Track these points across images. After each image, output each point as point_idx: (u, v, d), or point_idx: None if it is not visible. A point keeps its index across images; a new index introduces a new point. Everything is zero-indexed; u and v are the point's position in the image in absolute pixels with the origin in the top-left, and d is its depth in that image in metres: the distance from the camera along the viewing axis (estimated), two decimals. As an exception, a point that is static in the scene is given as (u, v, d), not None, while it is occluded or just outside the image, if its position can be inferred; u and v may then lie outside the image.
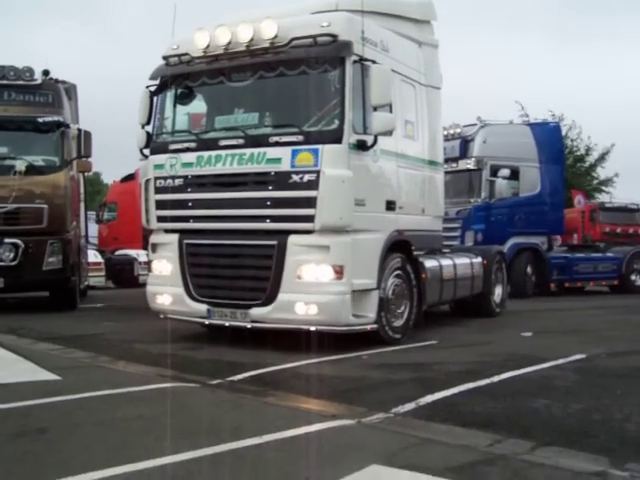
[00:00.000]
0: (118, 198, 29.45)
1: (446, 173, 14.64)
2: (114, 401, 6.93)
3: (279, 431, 5.79)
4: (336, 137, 9.62)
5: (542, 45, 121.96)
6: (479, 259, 14.31)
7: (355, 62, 9.86)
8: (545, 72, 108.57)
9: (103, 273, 24.10)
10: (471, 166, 20.20)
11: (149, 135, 11.16)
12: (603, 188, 42.08)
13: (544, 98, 56.88)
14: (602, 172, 42.28)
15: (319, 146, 9.55)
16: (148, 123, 11.21)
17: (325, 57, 9.84)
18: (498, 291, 15.22)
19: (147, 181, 10.97)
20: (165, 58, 11.03)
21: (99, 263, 24.01)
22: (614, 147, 41.47)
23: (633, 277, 23.66)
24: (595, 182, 41.97)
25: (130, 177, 27.78)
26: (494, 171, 20.15)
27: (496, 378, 8.09)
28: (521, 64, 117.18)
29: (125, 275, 24.86)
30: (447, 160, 16.94)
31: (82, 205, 19.34)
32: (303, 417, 6.39)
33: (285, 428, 5.88)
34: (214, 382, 7.99)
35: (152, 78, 11.15)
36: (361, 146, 9.90)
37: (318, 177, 9.48)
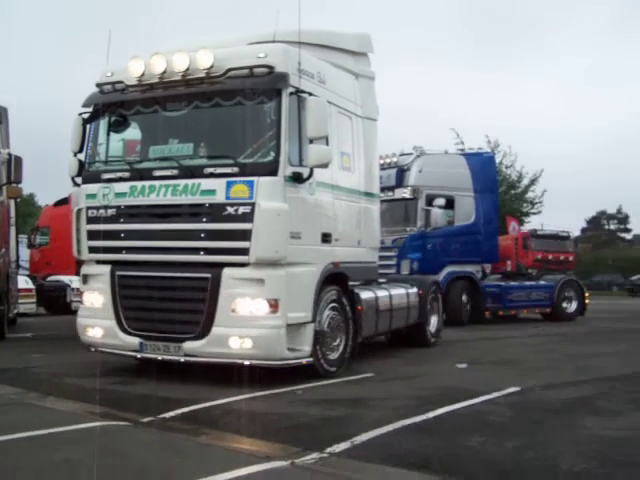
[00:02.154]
0: (51, 222, 28.79)
1: (382, 202, 14.70)
2: (40, 443, 6.70)
3: (211, 475, 5.66)
4: (272, 169, 9.57)
5: (467, 75, 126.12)
6: (415, 289, 14.34)
7: (291, 94, 9.84)
8: (472, 100, 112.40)
9: (34, 300, 23.53)
10: (407, 195, 20.34)
11: (81, 163, 10.94)
12: (533, 211, 43.13)
13: (476, 125, 58.33)
14: (532, 195, 43.48)
15: (254, 178, 9.48)
16: (80, 151, 10.99)
17: (261, 88, 9.80)
18: (434, 321, 15.27)
19: (79, 210, 10.73)
20: (99, 85, 10.84)
21: (30, 289, 23.44)
22: (543, 172, 42.77)
23: (564, 305, 23.97)
24: (525, 205, 42.93)
25: (64, 201, 27.20)
26: (430, 200, 20.33)
27: (431, 414, 8.05)
28: (451, 93, 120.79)
29: (57, 302, 24.33)
30: (383, 189, 17.03)
31: (13, 230, 18.85)
32: (236, 459, 6.26)
33: (217, 472, 5.75)
34: (145, 420, 7.79)
35: (85, 105, 10.95)
36: (297, 178, 9.86)
37: (253, 209, 9.40)
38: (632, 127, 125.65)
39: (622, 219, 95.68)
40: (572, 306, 24.15)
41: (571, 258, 29.32)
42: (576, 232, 58.86)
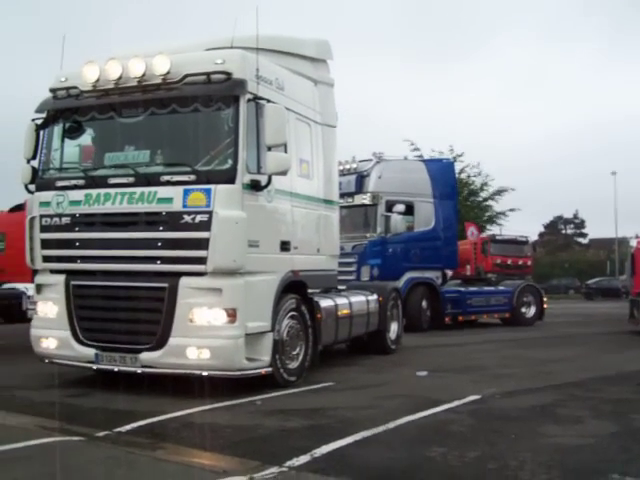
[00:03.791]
0: (6, 229, 27.97)
1: (342, 208, 14.65)
2: (-11, 462, 6.48)
3: (167, 492, 5.52)
4: (229, 177, 9.43)
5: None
6: (375, 296, 14.26)
7: (249, 101, 9.72)
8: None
9: (-12, 308, 23.04)
10: (367, 201, 20.26)
11: (35, 170, 10.70)
12: (495, 220, 43.32)
13: (424, 127, 59.00)
14: (497, 206, 43.69)
15: (212, 186, 9.34)
16: (34, 158, 10.76)
17: (219, 95, 9.66)
18: (394, 328, 15.20)
19: (32, 219, 10.51)
20: (52, 91, 10.61)
21: (-17, 298, 22.94)
22: (512, 190, 43.10)
23: (523, 309, 24.13)
24: (487, 215, 43.11)
25: (19, 207, 26.68)
26: (389, 206, 20.27)
27: (392, 424, 7.97)
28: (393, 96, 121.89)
29: (13, 310, 23.83)
30: (343, 195, 16.99)
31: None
32: (193, 474, 6.15)
33: (173, 489, 5.61)
34: (100, 434, 7.58)
35: (38, 111, 10.70)
36: (255, 186, 9.73)
37: (210, 218, 9.26)
38: (588, 134, 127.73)
39: (578, 224, 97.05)
40: (531, 311, 24.33)
41: (529, 262, 29.50)
42: (534, 237, 59.58)
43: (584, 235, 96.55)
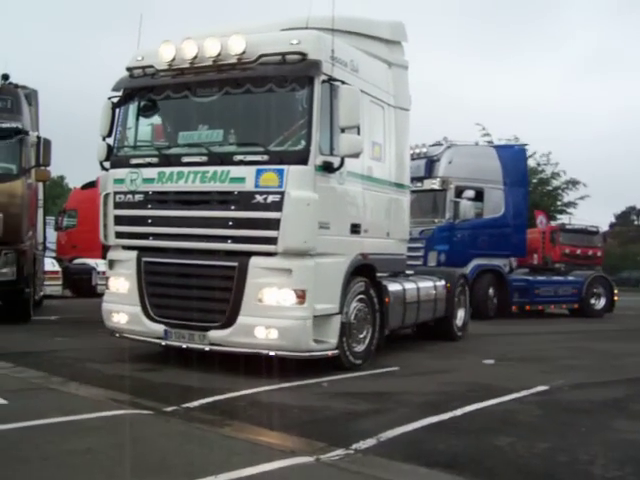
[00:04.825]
0: (78, 205, 28.84)
1: (411, 192, 14.51)
2: (62, 431, 6.63)
3: (235, 469, 5.55)
4: (302, 158, 9.42)
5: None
6: (442, 282, 14.16)
7: (324, 82, 9.68)
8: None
9: (60, 282, 23.54)
10: (436, 186, 20.07)
11: (110, 148, 10.85)
12: (565, 209, 42.58)
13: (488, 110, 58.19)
14: (566, 197, 42.97)
15: (284, 167, 9.33)
16: (109, 135, 10.89)
17: (293, 76, 9.64)
18: (460, 315, 15.09)
19: (106, 195, 10.66)
20: (129, 69, 10.75)
21: (56, 272, 23.44)
22: (585, 186, 42.31)
23: (593, 301, 23.71)
24: (559, 203, 42.41)
25: (91, 184, 27.19)
26: (459, 192, 20.07)
27: (459, 411, 7.91)
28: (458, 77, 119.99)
29: (83, 284, 24.37)
30: (412, 179, 16.78)
31: (40, 212, 18.85)
32: (260, 453, 6.15)
33: (241, 466, 5.64)
34: (169, 409, 7.69)
35: (115, 89, 10.85)
36: (327, 168, 9.70)
37: (282, 198, 9.26)
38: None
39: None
40: (600, 303, 23.90)
41: (599, 253, 28.94)
42: (604, 227, 58.26)
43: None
